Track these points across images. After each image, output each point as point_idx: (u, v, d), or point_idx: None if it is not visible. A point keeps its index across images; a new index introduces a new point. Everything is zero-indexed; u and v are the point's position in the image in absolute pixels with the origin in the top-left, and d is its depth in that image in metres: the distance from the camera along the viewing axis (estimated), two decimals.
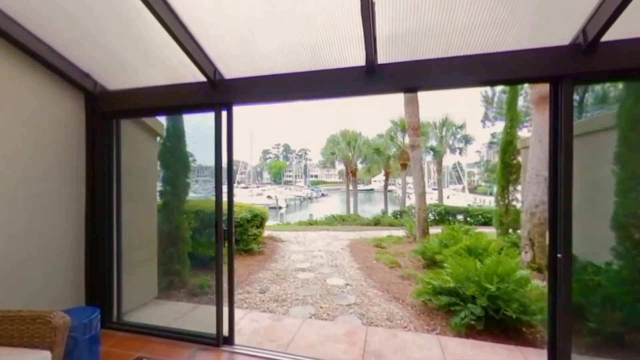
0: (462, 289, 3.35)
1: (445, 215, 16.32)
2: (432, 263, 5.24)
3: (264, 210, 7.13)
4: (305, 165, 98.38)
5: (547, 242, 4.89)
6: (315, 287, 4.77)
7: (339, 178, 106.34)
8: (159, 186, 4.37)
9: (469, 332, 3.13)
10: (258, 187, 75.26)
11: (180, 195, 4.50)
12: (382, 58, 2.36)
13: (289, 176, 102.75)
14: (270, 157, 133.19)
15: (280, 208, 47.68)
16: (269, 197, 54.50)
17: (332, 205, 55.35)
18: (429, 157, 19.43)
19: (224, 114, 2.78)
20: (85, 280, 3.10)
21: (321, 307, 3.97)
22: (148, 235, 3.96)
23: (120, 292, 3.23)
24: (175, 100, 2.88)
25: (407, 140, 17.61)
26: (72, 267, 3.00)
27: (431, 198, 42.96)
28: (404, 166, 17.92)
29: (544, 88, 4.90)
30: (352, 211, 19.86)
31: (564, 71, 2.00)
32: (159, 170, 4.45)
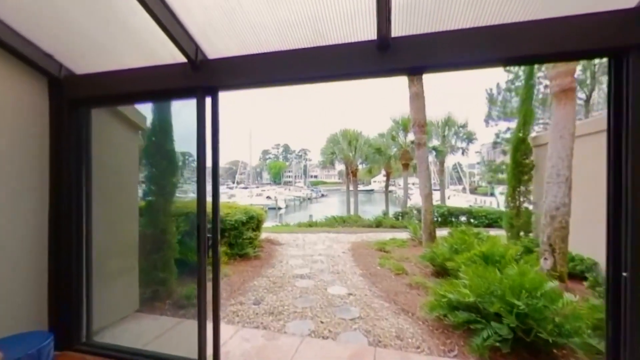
0: (484, 304, 2.93)
1: (448, 217, 15.94)
2: (442, 271, 4.82)
3: (261, 212, 6.71)
4: (305, 166, 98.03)
5: (569, 248, 4.48)
6: (315, 297, 4.34)
7: (339, 178, 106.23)
8: (142, 186, 3.96)
9: (492, 354, 2.71)
10: (258, 187, 74.89)
11: (167, 195, 4.08)
12: (396, 30, 1.95)
13: (289, 176, 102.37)
14: (269, 158, 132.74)
15: (279, 209, 47.35)
16: (268, 197, 54.13)
17: (332, 205, 54.93)
18: (430, 157, 18.98)
19: (208, 100, 2.36)
20: (49, 295, 2.68)
21: (322, 322, 3.55)
22: (127, 240, 3.54)
23: (91, 309, 2.81)
24: (151, 86, 2.46)
25: (409, 139, 17.20)
26: (32, 280, 2.57)
27: (435, 200, 42.64)
28: (406, 166, 17.50)
29: (565, 80, 4.49)
30: (352, 212, 19.44)
31: (630, 41, 1.59)
32: (144, 168, 4.04)
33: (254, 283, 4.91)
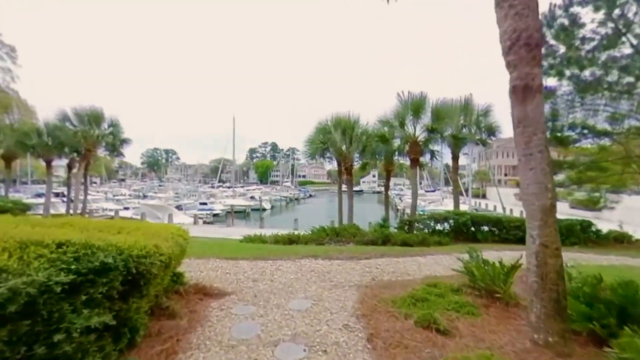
0: None
1: (469, 227, 12.37)
2: None
3: (163, 247, 2.77)
4: (293, 165, 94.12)
5: None
6: None
7: (328, 178, 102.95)
8: None
9: None
10: (243, 187, 70.38)
11: None
12: None
13: (276, 176, 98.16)
14: (257, 156, 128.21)
15: (264, 210, 43.34)
16: (252, 197, 50.05)
17: (320, 207, 51.24)
18: (445, 152, 15.35)
19: None
20: None
21: None
22: None
23: None
24: None
25: (419, 127, 13.49)
26: None
27: (428, 202, 39.15)
28: (415, 162, 13.82)
29: None
30: (345, 219, 15.65)
31: None
32: None
33: None
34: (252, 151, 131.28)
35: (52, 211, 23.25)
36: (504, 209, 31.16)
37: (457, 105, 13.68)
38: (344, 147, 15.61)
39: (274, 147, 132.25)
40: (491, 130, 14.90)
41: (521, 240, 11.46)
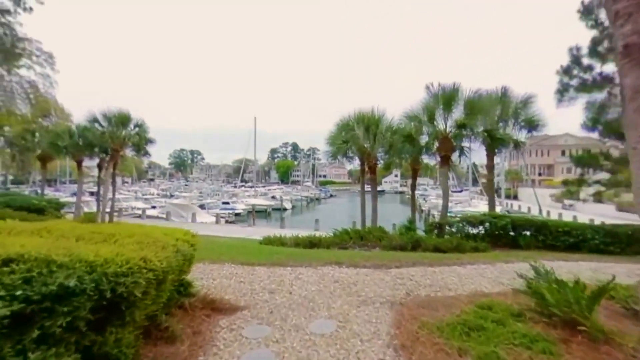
0: None
1: (508, 231, 11.08)
2: None
3: (158, 257, 2.22)
4: (314, 165, 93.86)
5: None
6: None
7: (349, 178, 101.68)
8: None
9: None
10: (264, 187, 71.12)
11: None
12: None
13: (297, 176, 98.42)
14: (278, 156, 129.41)
15: (284, 210, 43.22)
16: (273, 197, 50.21)
17: (341, 207, 50.42)
18: (477, 148, 14.01)
19: None
20: None
21: None
22: None
23: None
24: None
25: (450, 121, 12.38)
26: None
27: (455, 202, 37.19)
28: (446, 159, 12.73)
29: None
30: (369, 221, 14.82)
31: None
32: None
33: None
34: (274, 151, 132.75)
35: (85, 209, 24.26)
36: (540, 211, 28.76)
37: (493, 96, 12.40)
38: (367, 145, 14.78)
39: (295, 147, 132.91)
40: (531, 124, 13.41)
41: (571, 248, 10.15)
